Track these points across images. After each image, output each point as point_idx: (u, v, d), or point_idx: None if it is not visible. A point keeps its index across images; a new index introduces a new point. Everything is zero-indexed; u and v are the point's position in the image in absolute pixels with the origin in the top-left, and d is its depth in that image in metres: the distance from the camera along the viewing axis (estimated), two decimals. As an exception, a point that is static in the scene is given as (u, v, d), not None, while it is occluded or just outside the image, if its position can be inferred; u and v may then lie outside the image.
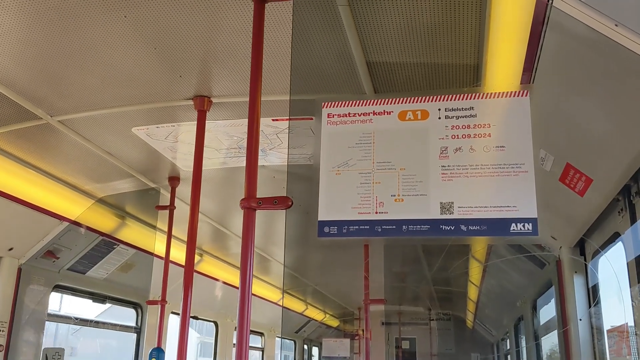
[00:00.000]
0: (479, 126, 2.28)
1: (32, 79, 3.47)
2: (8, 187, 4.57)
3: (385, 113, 2.40)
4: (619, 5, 2.11)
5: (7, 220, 4.80)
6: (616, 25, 2.13)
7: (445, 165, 2.28)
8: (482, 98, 2.33)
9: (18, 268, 5.13)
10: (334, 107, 2.45)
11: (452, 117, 2.32)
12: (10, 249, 5.00)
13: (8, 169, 4.48)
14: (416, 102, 2.38)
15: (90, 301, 6.32)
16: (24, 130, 4.08)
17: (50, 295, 5.55)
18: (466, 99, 2.33)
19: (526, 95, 2.27)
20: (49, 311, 5.56)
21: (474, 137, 2.28)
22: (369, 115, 2.41)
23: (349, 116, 2.42)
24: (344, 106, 2.45)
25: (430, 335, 13.69)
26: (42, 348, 5.37)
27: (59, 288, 5.71)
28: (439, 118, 2.34)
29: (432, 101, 2.36)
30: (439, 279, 9.28)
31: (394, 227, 2.25)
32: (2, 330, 4.90)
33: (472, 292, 10.23)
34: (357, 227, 2.28)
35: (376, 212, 2.28)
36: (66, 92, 3.63)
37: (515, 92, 2.29)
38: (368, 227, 2.28)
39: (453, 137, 2.30)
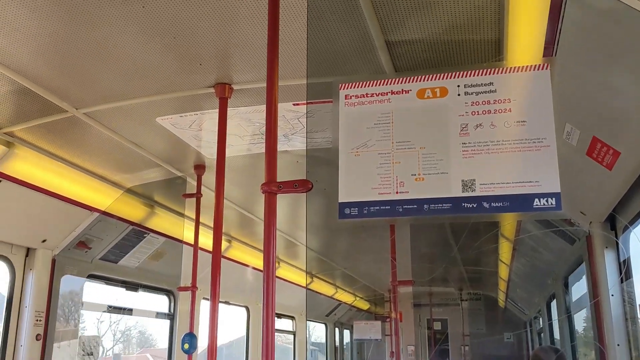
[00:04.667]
0: (499, 101, 2.25)
1: (54, 73, 3.52)
2: (39, 180, 4.67)
3: (404, 92, 2.38)
4: (641, -29, 2.05)
5: (40, 212, 4.91)
6: (638, -8, 2.07)
7: (466, 142, 2.25)
8: (501, 73, 2.29)
9: (52, 259, 5.26)
10: (351, 88, 2.44)
11: (472, 93, 2.29)
12: (44, 241, 5.13)
13: (39, 162, 4.57)
14: (434, 79, 2.35)
15: (124, 289, 6.45)
16: (52, 124, 4.16)
17: (85, 285, 5.70)
18: (485, 74, 2.29)
19: (546, 69, 2.23)
20: (83, 300, 5.70)
21: (494, 112, 2.25)
22: (386, 95, 2.39)
23: (367, 97, 2.41)
24: (361, 87, 2.43)
25: (462, 315, 13.64)
26: (79, 336, 5.51)
27: (92, 277, 5.85)
28: (458, 95, 2.31)
29: (450, 78, 2.33)
30: (468, 259, 9.20)
31: (415, 206, 2.24)
32: (39, 320, 5.04)
33: (503, 271, 10.14)
34: (377, 207, 2.27)
35: (397, 192, 2.27)
36: (89, 84, 3.67)
37: (535, 65, 2.25)
38: (389, 207, 2.27)
39: (473, 113, 2.27)
